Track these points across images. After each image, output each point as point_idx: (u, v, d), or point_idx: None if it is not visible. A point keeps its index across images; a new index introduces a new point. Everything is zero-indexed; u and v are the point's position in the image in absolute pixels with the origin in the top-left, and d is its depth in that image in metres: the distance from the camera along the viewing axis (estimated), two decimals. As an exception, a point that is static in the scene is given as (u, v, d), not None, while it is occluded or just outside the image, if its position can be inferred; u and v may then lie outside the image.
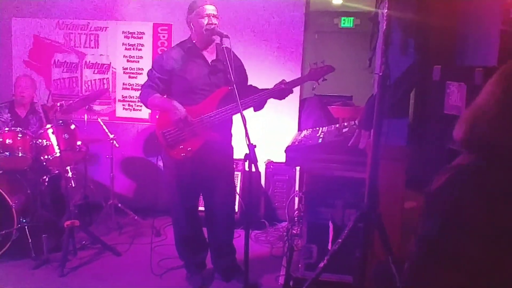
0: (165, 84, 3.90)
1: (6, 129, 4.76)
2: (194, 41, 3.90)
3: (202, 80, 3.85)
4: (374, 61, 3.50)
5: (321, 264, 3.13)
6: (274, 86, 3.86)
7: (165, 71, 3.87)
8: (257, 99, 3.82)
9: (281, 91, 3.82)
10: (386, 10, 2.95)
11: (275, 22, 5.67)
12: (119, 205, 5.37)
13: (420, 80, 3.41)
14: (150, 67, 4.04)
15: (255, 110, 4.02)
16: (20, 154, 4.68)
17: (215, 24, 3.77)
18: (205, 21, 3.75)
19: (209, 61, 3.89)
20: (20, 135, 4.72)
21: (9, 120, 5.26)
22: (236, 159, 4.27)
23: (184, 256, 4.26)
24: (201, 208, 4.25)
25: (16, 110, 5.38)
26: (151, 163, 5.86)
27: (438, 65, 2.94)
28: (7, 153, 4.65)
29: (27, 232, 4.55)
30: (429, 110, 3.14)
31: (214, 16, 3.78)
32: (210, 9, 3.79)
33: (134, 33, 5.92)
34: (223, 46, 3.65)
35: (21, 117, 5.37)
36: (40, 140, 4.75)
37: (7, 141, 4.67)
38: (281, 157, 4.45)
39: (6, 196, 4.43)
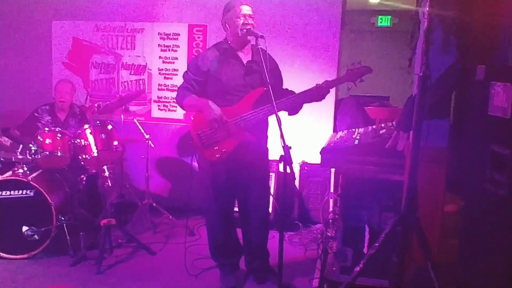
0: (201, 86, 3.89)
1: (46, 129, 4.85)
2: (229, 42, 3.89)
3: (238, 81, 3.83)
4: (414, 61, 3.42)
5: (357, 268, 3.08)
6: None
7: (201, 72, 3.87)
8: (293, 99, 3.77)
9: (318, 89, 3.76)
10: (427, 9, 2.89)
11: (310, 21, 5.63)
12: (154, 204, 5.42)
13: (461, 80, 3.33)
14: (186, 69, 4.04)
15: (289, 114, 3.98)
16: (59, 154, 4.77)
17: (251, 24, 3.74)
18: (241, 21, 3.73)
19: (245, 62, 3.87)
20: (59, 135, 4.82)
21: (50, 122, 5.36)
22: (270, 160, 4.24)
23: (217, 257, 4.24)
24: (236, 210, 4.23)
25: (56, 113, 5.48)
26: (186, 163, 5.89)
27: (480, 65, 2.86)
28: (47, 153, 4.74)
29: (65, 230, 4.63)
30: (472, 111, 3.06)
31: (250, 16, 3.76)
32: (246, 9, 3.77)
33: (170, 34, 5.96)
34: (258, 47, 3.60)
35: (60, 120, 5.47)
36: (78, 140, 4.83)
37: (47, 141, 4.76)
38: (316, 158, 4.41)
39: (45, 195, 4.51)
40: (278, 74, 4.04)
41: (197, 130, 3.82)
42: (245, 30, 3.71)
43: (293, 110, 3.95)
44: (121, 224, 4.84)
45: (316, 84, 3.78)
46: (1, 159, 5.02)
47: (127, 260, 4.61)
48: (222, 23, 3.90)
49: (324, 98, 3.83)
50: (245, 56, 3.89)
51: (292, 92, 3.93)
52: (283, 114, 3.65)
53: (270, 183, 4.86)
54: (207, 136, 3.79)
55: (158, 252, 4.77)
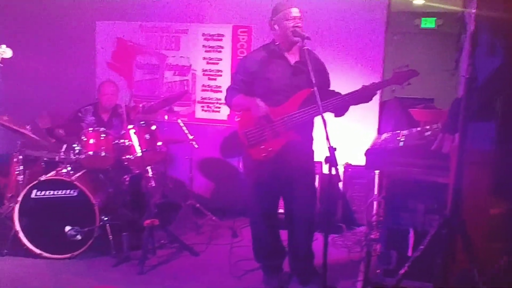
0: (248, 86, 3.92)
1: (90, 129, 4.90)
2: (277, 43, 3.91)
3: (285, 82, 3.85)
4: (460, 62, 3.36)
5: (402, 271, 3.05)
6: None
7: (249, 73, 3.90)
8: (339, 101, 3.78)
9: (364, 91, 3.76)
10: (474, 10, 2.83)
11: (355, 24, 5.57)
12: (197, 205, 5.43)
13: (508, 82, 3.26)
14: (235, 70, 4.10)
15: (336, 116, 3.97)
16: (103, 154, 4.80)
17: (300, 26, 3.76)
18: (291, 23, 3.76)
19: (292, 63, 3.89)
20: (103, 135, 4.85)
21: (93, 122, 5.43)
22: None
23: (260, 258, 4.22)
24: (281, 211, 4.22)
25: (100, 113, 5.56)
26: (229, 164, 5.90)
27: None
28: (91, 153, 4.78)
29: (108, 230, 4.65)
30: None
31: (299, 18, 3.79)
32: (295, 11, 3.79)
33: (214, 35, 5.97)
34: (305, 48, 3.62)
35: (104, 120, 5.54)
36: (122, 140, 4.86)
37: (91, 141, 4.81)
38: (360, 160, 4.37)
39: (89, 195, 4.54)
40: (325, 75, 4.04)
41: (244, 128, 3.85)
42: (293, 32, 3.74)
43: (340, 111, 3.94)
44: (164, 225, 4.82)
45: (363, 86, 3.80)
46: (45, 158, 5.11)
47: (170, 260, 4.60)
48: (271, 25, 3.93)
49: (370, 99, 3.87)
50: (292, 57, 3.91)
51: (338, 94, 3.93)
52: (328, 116, 3.63)
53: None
54: (254, 135, 3.82)
55: (201, 253, 4.75)
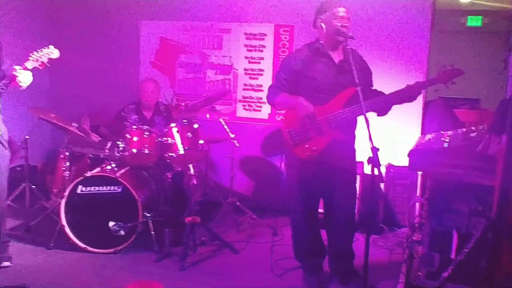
0: (292, 85, 3.92)
1: (134, 127, 5.00)
2: (321, 42, 3.90)
3: (329, 81, 3.84)
4: (509, 62, 3.29)
5: (445, 274, 3.01)
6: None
7: (293, 71, 3.90)
8: (383, 100, 3.77)
9: (409, 90, 3.73)
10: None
11: (399, 22, 5.49)
12: (238, 203, 5.46)
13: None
14: (278, 68, 4.08)
15: (378, 115, 3.94)
16: (146, 151, 4.89)
17: (347, 26, 3.75)
18: (338, 23, 3.74)
19: (336, 61, 3.88)
20: (146, 133, 4.94)
21: (136, 121, 5.53)
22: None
23: (301, 257, 4.22)
24: (320, 210, 4.21)
25: (142, 111, 5.66)
26: (270, 163, 5.90)
27: None
28: (134, 150, 4.87)
29: (151, 226, 4.73)
30: None
31: (346, 18, 3.77)
32: (342, 10, 3.78)
33: (256, 34, 5.98)
34: (349, 47, 3.61)
35: (147, 118, 5.63)
36: (165, 138, 4.93)
37: (134, 138, 4.90)
38: (402, 161, 4.32)
39: (132, 191, 4.61)
40: (368, 75, 4.02)
41: (288, 127, 3.86)
42: (337, 31, 3.73)
43: (383, 111, 3.92)
44: (205, 222, 4.87)
45: (407, 85, 3.77)
46: (90, 155, 5.23)
47: (211, 258, 4.64)
48: (316, 23, 3.91)
49: (415, 99, 3.82)
50: (337, 56, 3.89)
51: (381, 93, 3.91)
52: (371, 115, 3.61)
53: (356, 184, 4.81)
54: (298, 133, 3.82)
55: (241, 251, 4.78)
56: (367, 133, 3.14)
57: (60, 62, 4.16)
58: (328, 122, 3.77)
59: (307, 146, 3.81)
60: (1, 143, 4.23)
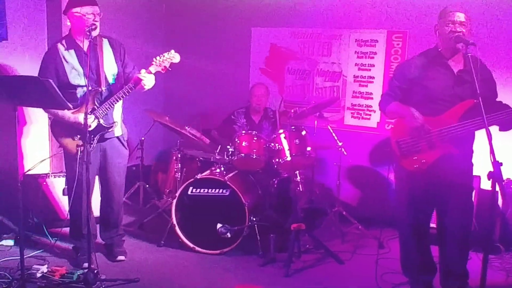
0: (404, 94, 3.81)
1: (243, 132, 5.09)
2: (439, 50, 3.74)
3: (445, 91, 3.67)
4: None
5: None
6: None
7: (406, 79, 3.78)
8: (508, 115, 3.52)
9: None
10: None
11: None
12: (344, 213, 5.37)
13: None
14: (392, 76, 4.00)
15: (500, 130, 3.67)
16: (254, 156, 4.96)
17: (461, 32, 3.57)
18: (452, 28, 3.59)
19: (455, 71, 3.69)
20: (255, 139, 5.02)
21: (245, 125, 5.63)
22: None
23: (408, 273, 4.08)
24: (433, 225, 4.05)
25: (251, 116, 5.76)
26: (378, 173, 5.77)
27: None
28: (243, 155, 4.95)
29: (256, 230, 4.78)
30: None
31: (460, 23, 3.59)
32: (458, 16, 3.60)
33: (367, 41, 5.87)
34: (469, 55, 3.43)
35: (255, 122, 5.71)
36: (272, 144, 4.96)
37: (243, 143, 4.99)
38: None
39: (240, 195, 4.69)
40: (492, 85, 3.78)
41: (397, 137, 3.75)
42: (453, 37, 3.56)
43: (506, 126, 3.66)
44: (310, 230, 4.86)
45: None
46: (201, 158, 5.38)
47: (315, 266, 4.61)
48: (434, 30, 3.78)
49: None
50: (455, 65, 3.71)
51: (506, 106, 3.67)
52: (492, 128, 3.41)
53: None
54: (407, 144, 3.70)
55: (346, 262, 4.69)
56: (489, 147, 2.97)
57: (173, 66, 4.30)
58: (440, 135, 3.61)
59: (415, 158, 3.68)
60: (121, 143, 4.47)
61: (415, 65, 3.78)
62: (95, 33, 4.09)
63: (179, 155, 5.26)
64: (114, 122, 4.32)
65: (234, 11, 6.64)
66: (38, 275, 4.11)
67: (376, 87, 5.81)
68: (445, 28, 3.62)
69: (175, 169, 5.28)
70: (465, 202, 3.82)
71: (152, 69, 4.22)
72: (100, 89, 4.22)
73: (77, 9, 4.09)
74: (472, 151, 3.81)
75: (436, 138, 3.63)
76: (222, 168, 4.98)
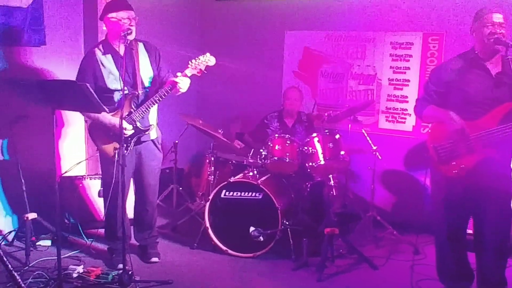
0: (441, 97, 3.74)
1: (276, 135, 5.08)
2: (476, 52, 3.66)
3: (484, 94, 3.58)
4: None
5: None
6: None
7: (442, 83, 3.72)
8: None
9: None
10: None
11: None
12: (378, 217, 5.31)
13: None
14: (427, 79, 3.94)
15: None
16: (287, 160, 4.95)
17: (500, 33, 3.49)
18: (490, 30, 3.51)
19: (493, 73, 3.61)
20: (288, 142, 5.01)
21: (278, 128, 5.63)
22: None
23: (444, 280, 4.01)
24: (469, 231, 3.97)
25: (284, 119, 5.75)
26: (413, 178, 5.69)
27: None
28: (276, 158, 4.95)
29: (289, 234, 4.76)
30: None
31: (499, 25, 3.51)
32: (496, 17, 3.53)
33: (403, 43, 5.79)
34: (508, 57, 3.35)
35: (288, 126, 5.70)
36: (306, 148, 4.96)
37: (277, 147, 4.99)
38: None
39: (273, 198, 4.68)
40: None
41: (434, 142, 3.69)
42: (492, 40, 3.49)
43: None
44: (344, 234, 4.81)
45: None
46: (234, 161, 5.40)
47: (349, 271, 4.56)
48: (471, 32, 3.71)
49: None
50: (494, 67, 3.62)
51: None
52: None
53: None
54: (445, 149, 3.64)
55: (380, 267, 4.62)
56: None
57: (207, 69, 4.32)
58: (480, 139, 3.53)
59: (454, 163, 3.62)
60: (156, 146, 4.52)
61: (452, 68, 3.71)
62: (131, 38, 4.13)
63: (212, 158, 5.28)
64: (151, 125, 4.37)
65: (268, 15, 6.65)
66: (74, 275, 4.20)
67: (412, 90, 5.73)
68: (484, 29, 3.54)
69: (208, 172, 5.30)
70: (503, 207, 3.73)
71: (188, 72, 4.25)
72: (136, 93, 4.27)
73: (113, 14, 4.16)
74: (511, 156, 3.72)
75: (476, 143, 3.55)
76: (255, 172, 4.98)
